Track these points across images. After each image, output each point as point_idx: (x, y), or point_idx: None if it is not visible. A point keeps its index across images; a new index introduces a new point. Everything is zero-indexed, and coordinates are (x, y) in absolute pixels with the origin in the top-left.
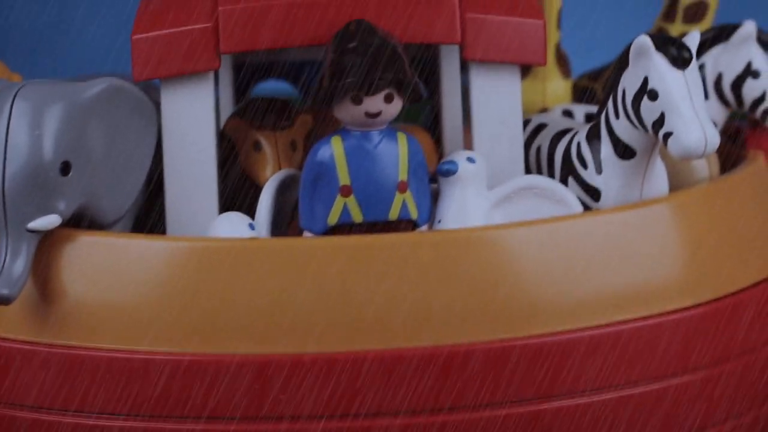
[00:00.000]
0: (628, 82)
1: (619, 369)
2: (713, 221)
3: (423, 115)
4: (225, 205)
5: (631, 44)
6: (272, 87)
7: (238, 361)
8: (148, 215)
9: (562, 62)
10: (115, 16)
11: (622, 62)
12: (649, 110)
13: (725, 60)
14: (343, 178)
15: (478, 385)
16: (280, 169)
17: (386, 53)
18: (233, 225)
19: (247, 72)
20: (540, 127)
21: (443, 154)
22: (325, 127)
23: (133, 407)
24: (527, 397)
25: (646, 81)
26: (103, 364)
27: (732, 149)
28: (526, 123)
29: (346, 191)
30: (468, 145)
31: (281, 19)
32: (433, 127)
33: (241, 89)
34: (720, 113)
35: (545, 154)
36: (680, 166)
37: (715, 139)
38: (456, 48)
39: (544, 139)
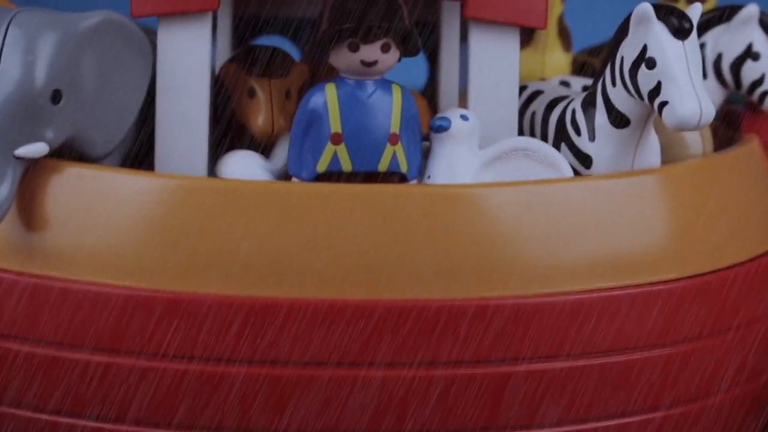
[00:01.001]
0: (627, 50)
1: (599, 336)
2: (702, 196)
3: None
4: (215, 149)
5: (632, 12)
6: (269, 43)
7: (216, 302)
8: (138, 152)
9: (564, 35)
10: None
11: (622, 30)
12: (646, 79)
13: (726, 41)
14: (335, 125)
15: (454, 341)
16: (272, 116)
17: (386, 2)
18: (246, 165)
19: (245, 27)
20: (536, 94)
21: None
22: (320, 78)
23: (113, 342)
24: (503, 357)
25: (645, 49)
26: (83, 296)
27: (727, 132)
28: (522, 89)
29: (336, 139)
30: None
31: None
32: (429, 92)
33: (236, 44)
34: (718, 94)
35: (539, 120)
36: (673, 141)
37: (710, 111)
38: (457, 11)
39: (539, 105)
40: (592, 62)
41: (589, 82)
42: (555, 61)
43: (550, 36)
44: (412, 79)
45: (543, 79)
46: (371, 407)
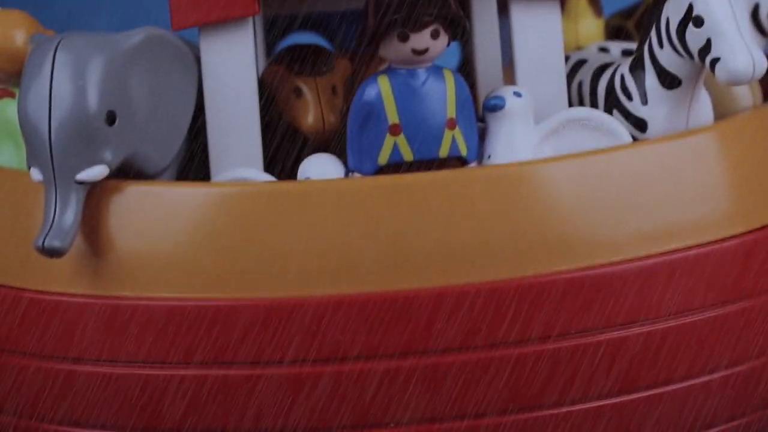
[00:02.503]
0: (672, 11)
1: (672, 297)
2: (761, 148)
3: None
4: (266, 152)
5: None
6: (301, 39)
7: (294, 304)
8: (192, 163)
9: (594, 1)
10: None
11: None
12: (694, 37)
13: None
14: (392, 116)
15: (536, 318)
16: (321, 113)
17: None
18: (327, 166)
19: (275, 25)
20: (580, 63)
21: (476, 94)
22: (364, 71)
23: (186, 355)
24: (584, 328)
25: (690, 8)
26: (155, 313)
27: None
28: (565, 60)
29: (395, 130)
30: (505, 84)
31: None
32: (463, 71)
33: (269, 43)
34: (758, 43)
35: (587, 89)
36: (724, 95)
37: (763, 63)
38: None
39: (585, 75)
40: (625, 25)
41: (626, 45)
42: (588, 28)
43: (580, 4)
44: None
45: (579, 48)
46: (468, 389)
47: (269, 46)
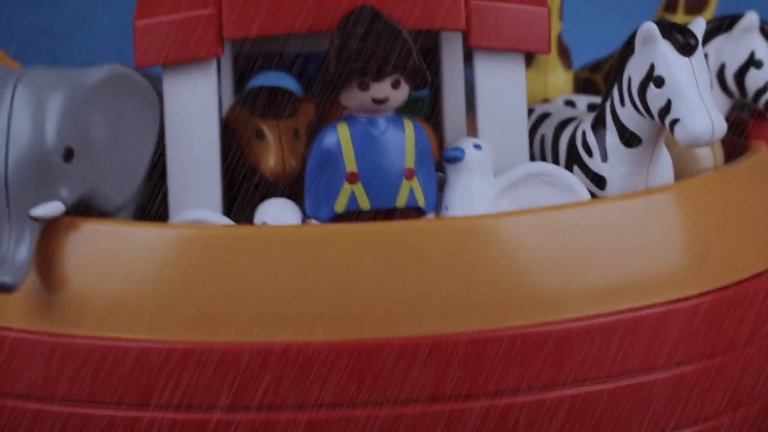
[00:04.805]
0: (634, 70)
1: (622, 358)
2: (718, 210)
3: (418, 107)
4: (227, 194)
5: (636, 31)
6: (271, 78)
7: (243, 350)
8: (151, 203)
9: (564, 53)
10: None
11: (627, 49)
12: (655, 97)
13: (728, 50)
14: (350, 164)
15: (485, 373)
16: (282, 156)
17: (394, 38)
18: (283, 212)
19: (245, 63)
20: (544, 116)
21: (443, 144)
22: (327, 116)
23: (138, 397)
24: (533, 385)
25: (652, 68)
26: (107, 353)
27: (735, 140)
28: (529, 112)
29: (353, 178)
30: (470, 134)
31: (286, 4)
32: (432, 118)
33: (239, 81)
34: (723, 104)
35: (549, 143)
36: (685, 155)
37: (722, 126)
38: (457, 37)
39: (548, 128)
40: (594, 78)
41: (592, 99)
42: (557, 80)
43: (550, 56)
44: None
45: (546, 100)
46: None
47: (239, 83)
